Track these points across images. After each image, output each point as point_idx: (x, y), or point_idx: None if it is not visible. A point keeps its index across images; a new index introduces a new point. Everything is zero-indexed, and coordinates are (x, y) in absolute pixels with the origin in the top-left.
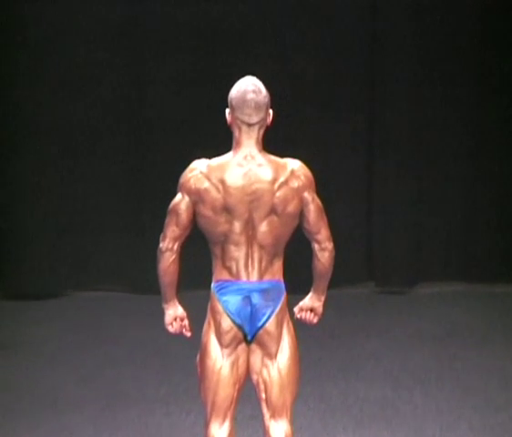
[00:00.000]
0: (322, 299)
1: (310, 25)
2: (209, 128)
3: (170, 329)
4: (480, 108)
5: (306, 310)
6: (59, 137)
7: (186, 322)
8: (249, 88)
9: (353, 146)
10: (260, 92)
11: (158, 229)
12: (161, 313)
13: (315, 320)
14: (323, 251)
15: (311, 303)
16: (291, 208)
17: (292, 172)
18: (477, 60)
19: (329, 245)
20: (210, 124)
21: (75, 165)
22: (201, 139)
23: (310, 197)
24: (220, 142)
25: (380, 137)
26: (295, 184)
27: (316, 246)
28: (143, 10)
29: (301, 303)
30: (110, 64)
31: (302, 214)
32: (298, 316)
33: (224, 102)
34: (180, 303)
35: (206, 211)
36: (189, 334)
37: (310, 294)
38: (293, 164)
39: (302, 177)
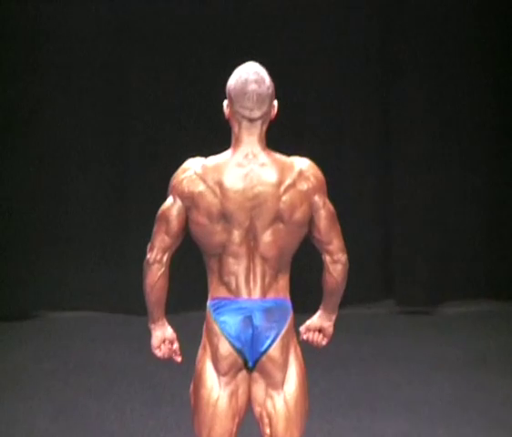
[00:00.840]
0: (333, 318)
1: (314, 13)
2: (203, 125)
3: (158, 353)
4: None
5: (314, 331)
6: (35, 149)
7: (176, 346)
8: (250, 78)
9: (368, 148)
10: (263, 82)
11: (143, 242)
12: (148, 335)
13: (324, 343)
14: (336, 264)
15: (319, 322)
16: (300, 214)
17: (301, 173)
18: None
19: (342, 257)
20: (205, 119)
21: (49, 177)
22: (194, 138)
23: (321, 201)
24: (217, 140)
25: (397, 140)
26: (304, 186)
27: (328, 258)
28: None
29: (308, 322)
30: (96, 62)
31: (311, 221)
32: (304, 337)
33: (221, 94)
34: (170, 324)
35: (200, 218)
36: (179, 359)
37: (319, 312)
38: (302, 163)
39: (312, 179)
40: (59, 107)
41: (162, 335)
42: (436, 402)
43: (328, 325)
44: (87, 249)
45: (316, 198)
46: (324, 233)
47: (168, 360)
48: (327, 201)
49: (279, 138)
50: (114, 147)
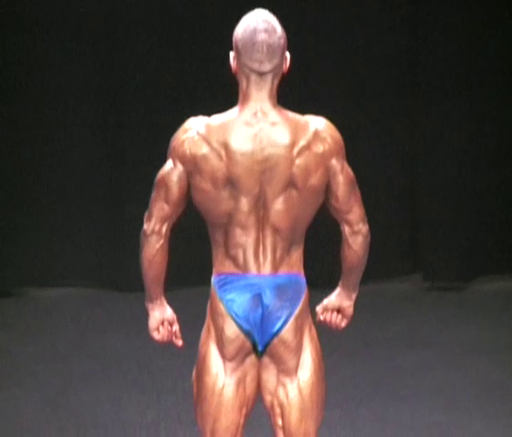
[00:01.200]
0: (354, 297)
1: None
2: (206, 81)
3: (156, 335)
4: None
5: (332, 311)
6: (19, 114)
7: (176, 328)
8: (259, 27)
9: (394, 106)
10: (273, 31)
11: (140, 209)
12: (146, 315)
13: (343, 324)
14: (356, 235)
15: (338, 302)
16: (315, 180)
17: (316, 133)
18: None
19: (363, 227)
20: (209, 75)
21: (33, 143)
22: (196, 97)
23: (339, 165)
24: (222, 98)
25: (427, 95)
26: (320, 148)
27: (347, 229)
28: None
29: (325, 301)
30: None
31: (328, 188)
32: (321, 317)
33: (225, 48)
34: (170, 304)
35: (204, 184)
36: (180, 343)
37: (337, 290)
38: (317, 123)
39: (329, 140)
40: (49, 66)
41: (161, 316)
42: (473, 389)
43: (348, 305)
44: (76, 219)
45: (334, 161)
46: (343, 201)
47: (168, 344)
48: (346, 165)
49: (292, 95)
50: (107, 108)
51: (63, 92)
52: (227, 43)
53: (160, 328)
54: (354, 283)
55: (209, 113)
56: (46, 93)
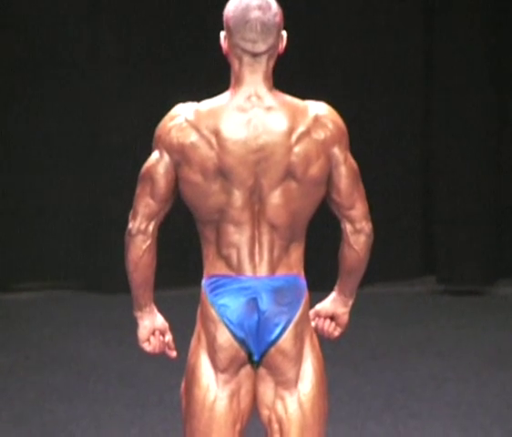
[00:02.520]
0: (350, 304)
1: None
2: (193, 66)
3: (147, 347)
4: None
5: (325, 318)
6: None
7: (169, 337)
8: (252, 3)
9: (405, 95)
10: (268, 8)
11: (123, 202)
12: (130, 320)
13: (336, 334)
14: (358, 234)
15: (332, 308)
16: (316, 169)
17: (316, 118)
18: None
19: (366, 226)
20: (195, 59)
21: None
22: (184, 81)
23: (341, 155)
24: (210, 83)
25: (441, 83)
26: (321, 135)
27: (348, 226)
28: None
29: (318, 306)
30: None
31: (329, 180)
32: (312, 323)
33: (215, 27)
34: (159, 310)
35: (193, 175)
36: (173, 354)
37: (332, 295)
38: (318, 108)
39: (331, 126)
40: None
41: (151, 325)
42: (493, 405)
43: (343, 312)
44: (50, 212)
45: (336, 150)
46: (345, 195)
47: (160, 356)
48: (349, 156)
49: (290, 78)
50: (86, 93)
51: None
52: (217, 21)
53: (151, 338)
54: (352, 288)
55: (198, 99)
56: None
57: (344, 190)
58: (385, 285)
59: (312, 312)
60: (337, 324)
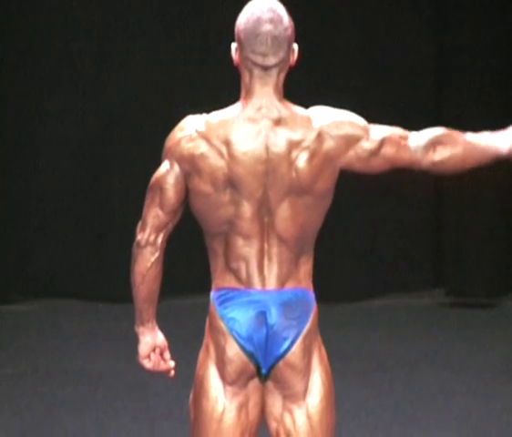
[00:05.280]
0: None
1: None
2: (205, 74)
3: (147, 364)
4: None
5: None
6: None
7: (168, 356)
8: (264, 16)
9: (417, 111)
10: (280, 21)
11: (129, 212)
12: (135, 332)
13: None
14: (434, 148)
15: None
16: (320, 183)
17: (320, 133)
18: None
19: (425, 138)
20: (208, 68)
21: (13, 148)
22: (193, 93)
23: (372, 142)
24: (222, 94)
25: (451, 100)
26: (326, 149)
27: (424, 161)
28: None
29: None
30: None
31: (390, 164)
32: None
33: (225, 37)
34: (163, 317)
35: (203, 186)
36: (172, 373)
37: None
38: (322, 119)
39: (336, 139)
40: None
41: (153, 341)
42: (502, 418)
43: None
44: (57, 220)
45: (362, 145)
46: (397, 156)
47: (159, 374)
48: (377, 130)
49: (300, 89)
50: (94, 104)
51: (44, 110)
52: (229, 34)
53: (152, 355)
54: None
55: (208, 111)
56: (28, 112)
57: (392, 155)
58: (394, 297)
59: None
60: None
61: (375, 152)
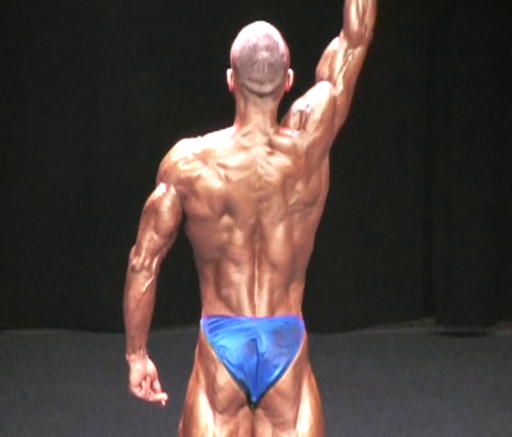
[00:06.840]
0: None
1: None
2: (198, 100)
3: (138, 392)
4: None
5: None
6: None
7: (157, 385)
8: (260, 43)
9: (409, 136)
10: (276, 48)
11: (120, 240)
12: (125, 359)
13: None
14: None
15: None
16: (323, 182)
17: (307, 151)
18: None
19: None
20: (201, 94)
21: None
22: (185, 118)
23: (340, 92)
24: (214, 119)
25: (440, 126)
26: (316, 152)
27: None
28: None
29: None
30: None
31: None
32: None
33: (222, 61)
34: (153, 346)
35: (200, 208)
36: (163, 403)
37: None
38: (301, 140)
39: (300, 156)
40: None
41: (144, 369)
42: None
43: None
44: (45, 249)
45: (336, 111)
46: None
47: (150, 404)
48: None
49: (293, 97)
50: (83, 132)
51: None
52: (223, 61)
53: (143, 383)
54: None
55: (202, 134)
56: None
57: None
58: (384, 326)
59: None
60: None
61: (347, 90)
